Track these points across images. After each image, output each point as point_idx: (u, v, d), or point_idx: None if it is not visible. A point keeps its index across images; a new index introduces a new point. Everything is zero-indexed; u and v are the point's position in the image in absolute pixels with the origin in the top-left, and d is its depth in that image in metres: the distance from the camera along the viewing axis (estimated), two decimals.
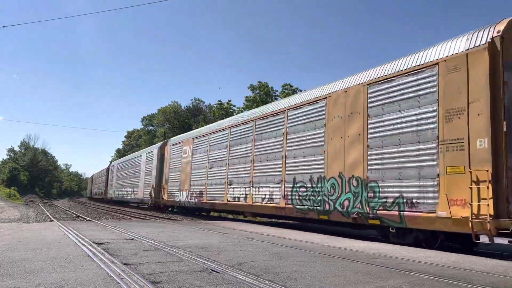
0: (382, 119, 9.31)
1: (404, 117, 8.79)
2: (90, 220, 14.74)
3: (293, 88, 37.05)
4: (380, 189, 9.08)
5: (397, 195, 8.63)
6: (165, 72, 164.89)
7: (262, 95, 37.46)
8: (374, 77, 9.76)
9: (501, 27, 7.29)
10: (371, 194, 9.28)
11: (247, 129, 15.25)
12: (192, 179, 19.67)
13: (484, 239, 7.16)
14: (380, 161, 9.22)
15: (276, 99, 35.58)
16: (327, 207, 10.59)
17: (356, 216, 9.68)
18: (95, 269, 4.82)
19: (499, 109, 7.03)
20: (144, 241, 7.81)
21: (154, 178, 25.53)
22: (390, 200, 8.78)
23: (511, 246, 9.12)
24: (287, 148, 12.61)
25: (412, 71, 8.72)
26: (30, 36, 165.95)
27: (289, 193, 12.21)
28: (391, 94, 9.19)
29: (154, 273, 4.61)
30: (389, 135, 9.11)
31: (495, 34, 7.28)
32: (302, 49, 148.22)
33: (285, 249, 7.15)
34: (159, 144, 27.23)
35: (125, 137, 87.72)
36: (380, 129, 9.33)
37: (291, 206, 12.02)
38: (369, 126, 9.63)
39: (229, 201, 15.88)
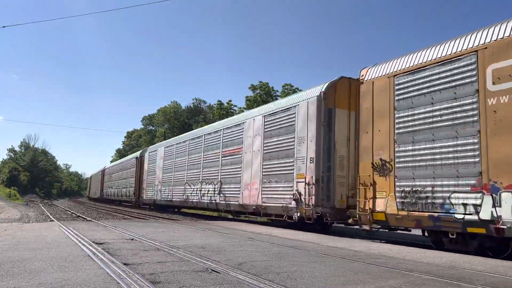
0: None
1: None
2: (90, 220, 14.75)
3: (293, 88, 37.03)
4: None
5: None
6: (165, 72, 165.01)
7: (263, 95, 37.45)
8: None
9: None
10: None
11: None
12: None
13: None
14: None
15: (276, 99, 35.57)
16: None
17: None
18: (95, 269, 4.83)
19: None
20: (144, 241, 7.81)
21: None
22: None
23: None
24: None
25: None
26: (30, 36, 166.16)
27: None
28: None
29: (154, 273, 4.61)
30: None
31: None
32: (302, 49, 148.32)
33: (285, 249, 7.15)
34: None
35: (125, 137, 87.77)
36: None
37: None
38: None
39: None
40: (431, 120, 8.31)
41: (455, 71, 8.03)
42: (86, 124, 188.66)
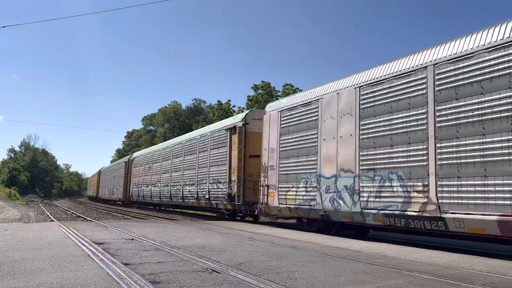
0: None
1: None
2: (90, 220, 14.76)
3: (293, 88, 37.06)
4: None
5: None
6: (165, 72, 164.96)
7: (264, 95, 37.49)
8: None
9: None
10: None
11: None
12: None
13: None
14: None
15: (277, 98, 35.61)
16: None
17: None
18: (95, 269, 4.83)
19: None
20: (144, 241, 7.81)
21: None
22: None
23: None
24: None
25: None
26: (30, 36, 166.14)
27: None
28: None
29: (154, 273, 4.62)
30: None
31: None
32: (303, 49, 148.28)
33: (285, 249, 7.16)
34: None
35: (125, 137, 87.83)
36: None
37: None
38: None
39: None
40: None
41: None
42: (86, 124, 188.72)
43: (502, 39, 7.25)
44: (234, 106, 41.87)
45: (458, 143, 7.68)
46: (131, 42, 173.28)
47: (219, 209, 17.57)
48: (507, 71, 7.06)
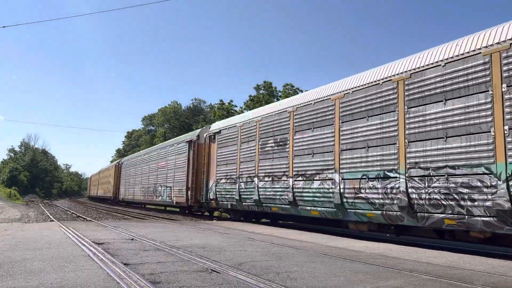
0: None
1: None
2: (90, 220, 14.75)
3: (294, 88, 37.03)
4: None
5: None
6: (165, 72, 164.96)
7: (266, 95, 37.49)
8: None
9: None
10: None
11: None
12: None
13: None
14: None
15: (278, 99, 35.67)
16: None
17: None
18: (95, 269, 4.83)
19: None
20: (144, 241, 7.81)
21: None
22: None
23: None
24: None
25: None
26: (30, 36, 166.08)
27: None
28: None
29: (154, 273, 4.62)
30: None
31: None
32: (303, 49, 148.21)
33: (285, 249, 7.15)
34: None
35: (125, 137, 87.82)
36: None
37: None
38: None
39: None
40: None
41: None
42: (86, 124, 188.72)
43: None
44: (236, 106, 41.89)
45: None
46: (131, 42, 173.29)
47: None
48: None
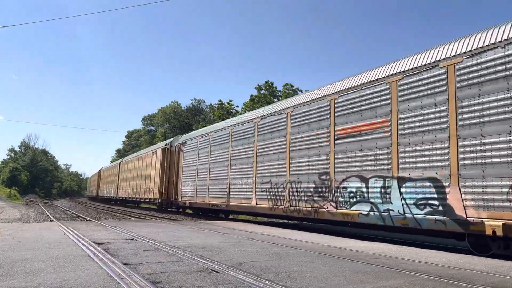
0: None
1: None
2: (90, 220, 14.75)
3: (294, 88, 37.03)
4: None
5: None
6: (165, 72, 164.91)
7: (267, 95, 37.49)
8: None
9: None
10: None
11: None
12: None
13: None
14: None
15: (279, 99, 35.71)
16: None
17: None
18: (95, 269, 4.83)
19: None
20: (144, 241, 7.81)
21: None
22: None
23: None
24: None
25: None
26: (30, 36, 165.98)
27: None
28: None
29: (154, 273, 4.61)
30: None
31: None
32: (303, 49, 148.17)
33: (285, 249, 7.15)
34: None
35: (125, 137, 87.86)
36: None
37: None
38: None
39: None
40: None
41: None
42: (86, 124, 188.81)
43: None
44: (237, 106, 41.88)
45: None
46: (131, 42, 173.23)
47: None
48: None
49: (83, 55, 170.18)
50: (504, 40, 7.23)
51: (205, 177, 18.12)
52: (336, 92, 11.05)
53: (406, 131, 8.75)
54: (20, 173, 74.32)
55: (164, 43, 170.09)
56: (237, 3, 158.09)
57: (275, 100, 35.65)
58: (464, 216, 7.40)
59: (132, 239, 8.03)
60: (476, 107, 7.47)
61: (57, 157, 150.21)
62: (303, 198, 11.74)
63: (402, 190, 8.64)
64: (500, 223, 6.80)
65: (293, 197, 12.20)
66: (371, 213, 9.31)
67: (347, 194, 10.09)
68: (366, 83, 9.98)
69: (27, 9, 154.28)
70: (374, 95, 9.71)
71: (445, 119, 7.95)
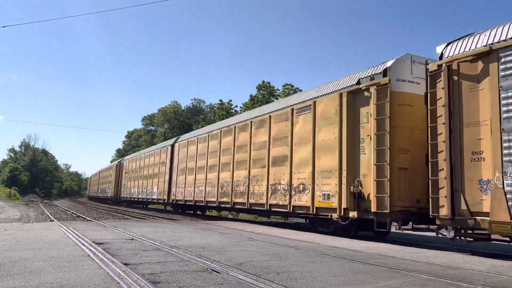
0: None
1: None
2: (90, 220, 14.75)
3: (293, 88, 37.03)
4: None
5: None
6: (165, 72, 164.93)
7: (266, 95, 37.52)
8: None
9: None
10: None
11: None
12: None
13: None
14: None
15: (277, 98, 35.79)
16: None
17: None
18: (95, 269, 4.83)
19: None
20: (144, 241, 7.81)
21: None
22: None
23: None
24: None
25: None
26: (30, 36, 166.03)
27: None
28: None
29: (154, 273, 4.61)
30: None
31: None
32: (303, 49, 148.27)
33: (285, 249, 7.15)
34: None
35: (125, 137, 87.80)
36: None
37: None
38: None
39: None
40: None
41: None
42: (86, 124, 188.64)
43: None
44: (236, 106, 41.87)
45: None
46: (131, 42, 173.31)
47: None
48: None
49: (83, 55, 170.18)
50: None
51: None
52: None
53: None
54: (20, 173, 74.29)
55: (164, 43, 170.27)
56: (237, 3, 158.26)
57: (274, 99, 35.66)
58: None
59: (132, 239, 8.04)
60: None
61: (57, 157, 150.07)
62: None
63: None
64: None
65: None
66: None
67: None
68: None
69: (27, 9, 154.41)
70: None
71: None
